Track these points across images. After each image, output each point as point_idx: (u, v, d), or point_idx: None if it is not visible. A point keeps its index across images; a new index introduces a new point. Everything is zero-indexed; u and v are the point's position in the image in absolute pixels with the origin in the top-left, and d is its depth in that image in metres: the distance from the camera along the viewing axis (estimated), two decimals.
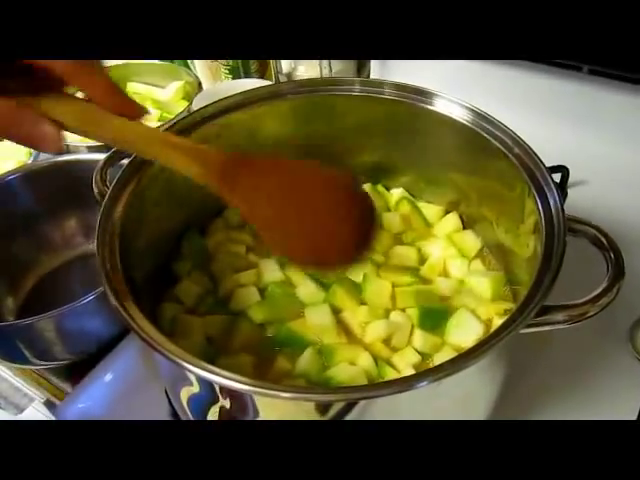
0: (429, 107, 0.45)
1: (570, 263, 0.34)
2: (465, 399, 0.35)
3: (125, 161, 0.44)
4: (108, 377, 0.55)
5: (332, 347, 0.41)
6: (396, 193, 0.54)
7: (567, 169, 0.63)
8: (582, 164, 0.66)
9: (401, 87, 0.45)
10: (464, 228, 0.51)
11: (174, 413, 0.50)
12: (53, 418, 0.64)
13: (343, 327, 0.43)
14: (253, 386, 0.28)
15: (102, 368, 0.56)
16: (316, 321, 0.42)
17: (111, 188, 0.39)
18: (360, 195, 0.38)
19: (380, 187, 0.55)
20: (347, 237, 0.35)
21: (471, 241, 0.49)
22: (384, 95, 0.45)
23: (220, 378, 0.29)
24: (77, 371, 0.59)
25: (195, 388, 0.34)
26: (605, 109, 0.69)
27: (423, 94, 0.45)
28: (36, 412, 0.64)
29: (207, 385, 0.33)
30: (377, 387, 0.29)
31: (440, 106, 0.45)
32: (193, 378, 0.33)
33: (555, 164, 0.61)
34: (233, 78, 0.84)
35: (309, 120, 0.48)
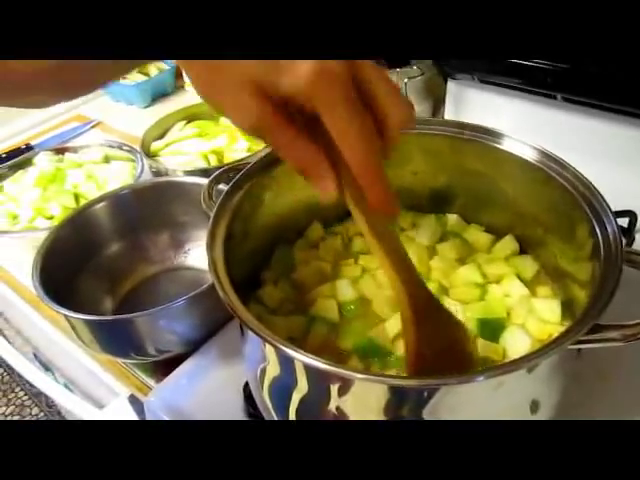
0: (500, 146, 0.50)
1: (631, 293, 0.37)
2: (524, 406, 0.39)
3: (222, 186, 0.51)
4: (190, 375, 0.61)
5: None
6: (451, 219, 0.59)
7: (635, 214, 0.66)
8: None
9: (475, 127, 0.51)
10: (522, 252, 0.55)
11: (247, 411, 0.55)
12: (134, 414, 0.71)
13: None
14: (332, 366, 0.33)
15: (185, 367, 0.62)
16: (395, 331, 0.47)
17: (217, 204, 0.46)
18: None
19: (442, 217, 0.59)
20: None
21: (528, 264, 0.53)
22: (462, 135, 0.51)
23: (303, 356, 0.34)
24: (162, 368, 0.65)
25: (278, 371, 0.39)
26: None
27: (495, 135, 0.50)
28: (119, 407, 0.72)
29: (290, 368, 0.38)
30: (440, 377, 0.33)
31: (510, 146, 0.49)
32: (280, 360, 0.39)
33: (623, 209, 0.64)
34: None
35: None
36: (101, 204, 0.72)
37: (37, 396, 1.90)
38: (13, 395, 1.93)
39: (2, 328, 0.99)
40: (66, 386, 0.94)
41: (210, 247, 0.41)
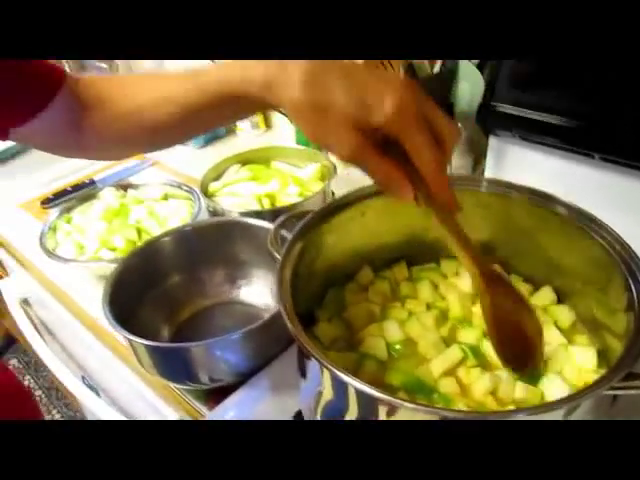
0: (543, 205, 0.55)
1: None
2: None
3: (284, 232, 0.57)
4: (241, 404, 0.65)
5: (449, 397, 0.49)
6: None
7: None
8: None
9: (522, 188, 0.56)
10: (559, 301, 0.59)
11: None
12: None
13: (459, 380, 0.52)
14: (383, 394, 0.38)
15: (237, 396, 0.66)
16: (439, 370, 0.52)
17: (285, 249, 0.51)
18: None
19: None
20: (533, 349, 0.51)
21: (565, 314, 0.57)
22: (507, 193, 0.57)
23: (358, 383, 0.39)
24: (213, 396, 0.70)
25: (332, 397, 0.44)
26: None
27: (540, 195, 0.55)
28: None
29: (344, 395, 0.43)
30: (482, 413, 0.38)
31: (552, 205, 0.54)
32: (335, 386, 0.44)
33: None
34: None
35: None
36: (165, 239, 0.78)
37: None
38: (49, 417, 1.99)
39: (54, 351, 1.05)
40: None
41: (279, 287, 0.47)
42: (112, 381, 1.01)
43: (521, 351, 0.51)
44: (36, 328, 1.06)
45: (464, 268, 0.49)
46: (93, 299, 0.89)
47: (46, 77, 0.56)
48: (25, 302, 1.12)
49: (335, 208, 0.57)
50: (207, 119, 0.53)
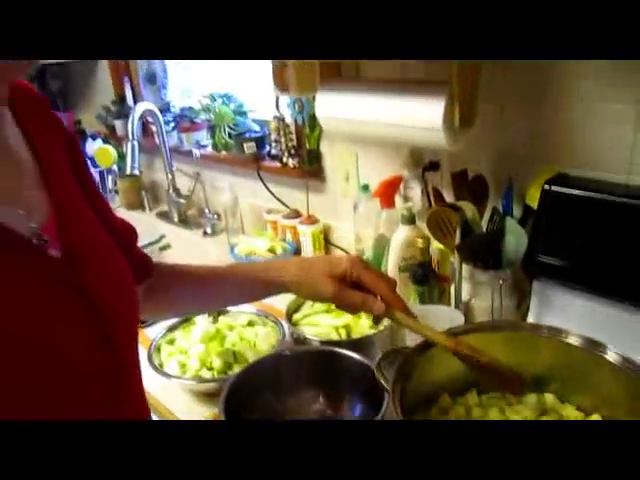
0: (592, 350, 0.70)
1: None
2: None
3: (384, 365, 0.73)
4: None
5: None
6: (548, 398, 0.77)
7: None
8: None
9: (576, 335, 0.73)
10: None
11: None
12: None
13: None
14: None
15: None
16: None
17: (392, 382, 0.68)
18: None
19: (541, 396, 0.78)
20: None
21: None
22: (564, 339, 0.73)
23: None
24: None
25: None
26: None
27: (589, 341, 0.71)
28: None
29: None
30: None
31: (600, 350, 0.70)
32: None
33: None
34: (420, 302, 1.13)
35: (502, 349, 0.75)
36: (267, 360, 0.95)
37: None
38: None
39: None
40: None
41: (396, 409, 0.62)
42: None
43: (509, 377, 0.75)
44: None
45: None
46: (191, 412, 1.03)
47: (149, 258, 0.80)
48: None
49: (425, 346, 0.73)
50: (236, 295, 0.86)
